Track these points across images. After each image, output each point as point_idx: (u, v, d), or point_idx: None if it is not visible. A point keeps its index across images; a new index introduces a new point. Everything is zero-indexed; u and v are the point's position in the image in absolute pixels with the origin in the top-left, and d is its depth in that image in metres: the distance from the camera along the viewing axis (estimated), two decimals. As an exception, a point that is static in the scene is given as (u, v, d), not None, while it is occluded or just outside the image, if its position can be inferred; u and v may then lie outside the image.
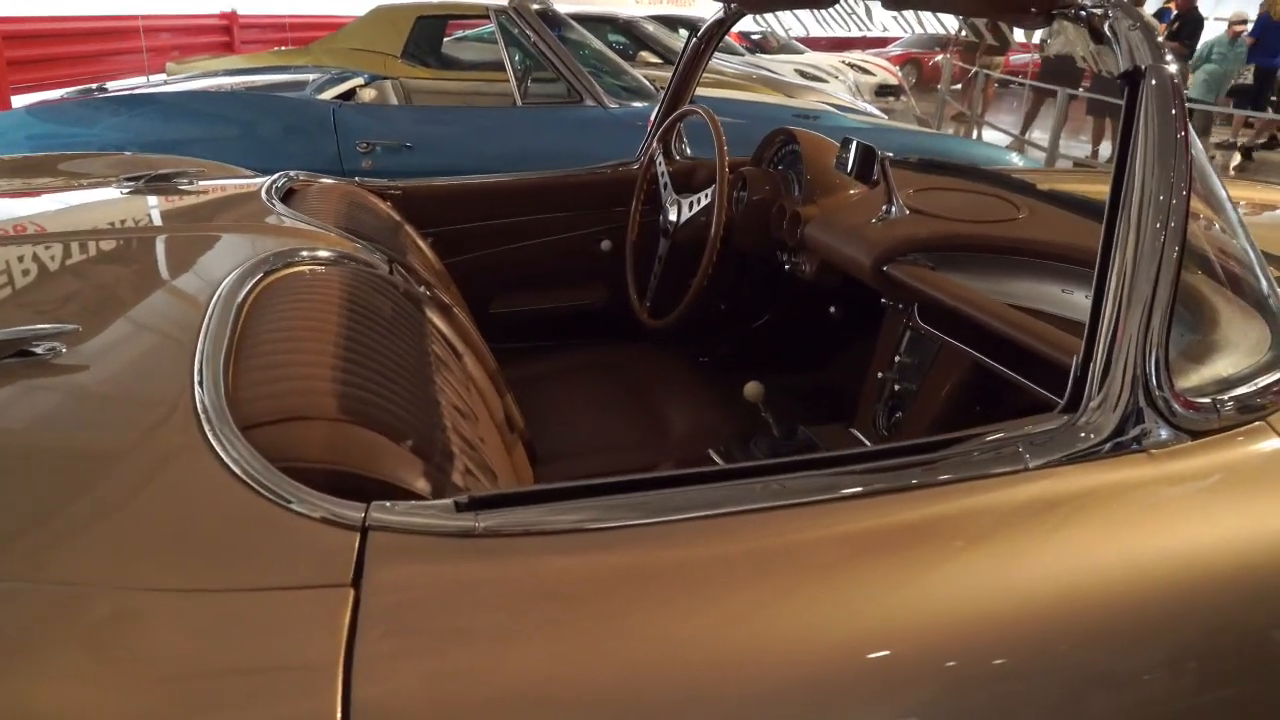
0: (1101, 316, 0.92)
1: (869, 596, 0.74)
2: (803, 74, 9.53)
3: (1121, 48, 0.97)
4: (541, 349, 2.16)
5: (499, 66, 3.84)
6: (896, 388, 1.70)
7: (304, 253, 1.17)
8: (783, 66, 9.55)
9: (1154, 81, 0.94)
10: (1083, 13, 1.04)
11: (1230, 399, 0.96)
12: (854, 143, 1.75)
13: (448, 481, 0.87)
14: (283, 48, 6.30)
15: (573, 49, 3.87)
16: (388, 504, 0.74)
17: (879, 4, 1.41)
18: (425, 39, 4.84)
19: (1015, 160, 3.86)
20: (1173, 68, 0.96)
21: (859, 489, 0.83)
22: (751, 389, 1.74)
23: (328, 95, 3.65)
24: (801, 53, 11.55)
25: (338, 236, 1.36)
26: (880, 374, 1.73)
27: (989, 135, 9.99)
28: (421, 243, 1.84)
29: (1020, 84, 9.72)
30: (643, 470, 1.68)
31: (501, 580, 0.71)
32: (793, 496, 0.81)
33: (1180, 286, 0.93)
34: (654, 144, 2.16)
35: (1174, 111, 0.93)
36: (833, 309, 2.06)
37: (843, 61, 11.10)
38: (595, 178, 2.26)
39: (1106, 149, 8.38)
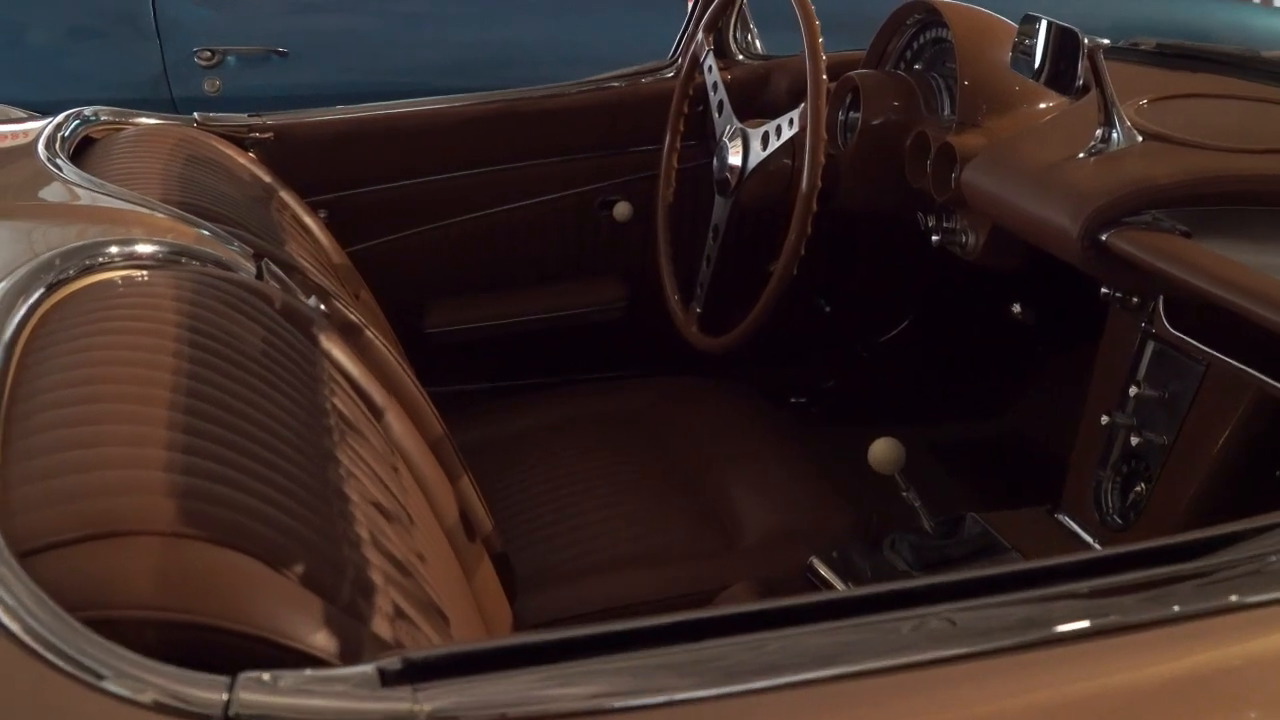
0: None
1: None
2: None
3: None
4: (517, 391, 2.20)
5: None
6: (1135, 441, 1.71)
7: (112, 249, 1.20)
8: None
9: None
10: None
11: None
12: (1041, 23, 1.77)
13: (364, 633, 0.89)
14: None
15: None
16: (265, 676, 0.76)
17: None
18: None
19: None
20: None
21: (1081, 624, 0.83)
22: (882, 451, 1.76)
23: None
24: None
25: (167, 217, 1.39)
26: (1106, 418, 1.74)
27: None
28: (309, 219, 1.88)
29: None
30: (698, 601, 1.70)
31: None
32: (964, 643, 0.81)
33: None
34: (698, 34, 2.20)
35: None
36: (1017, 308, 2.09)
37: None
38: (601, 97, 2.30)
39: None
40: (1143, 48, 2.08)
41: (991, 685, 0.80)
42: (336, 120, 2.18)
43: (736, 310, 2.02)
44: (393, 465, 1.24)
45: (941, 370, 2.38)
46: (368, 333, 1.46)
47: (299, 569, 0.89)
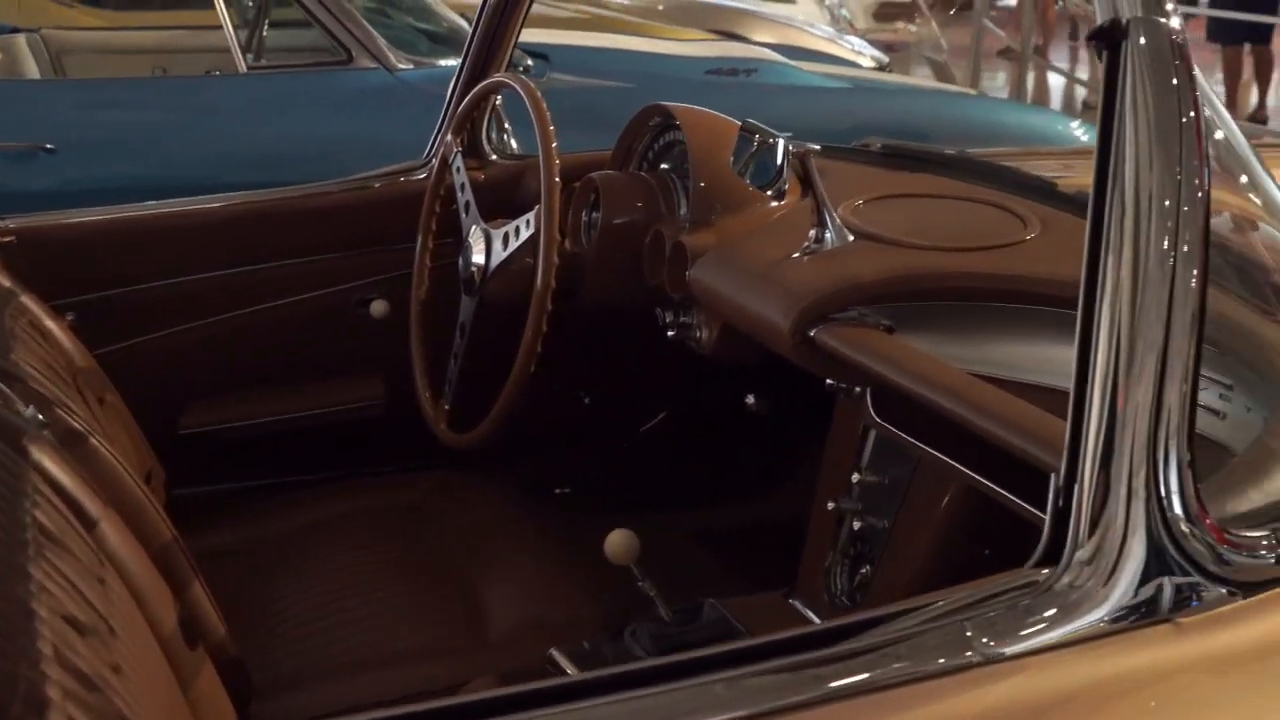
0: (1087, 406, 1.01)
1: None
2: (755, -11, 9.92)
3: None
4: (278, 490, 2.19)
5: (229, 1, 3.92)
6: (858, 525, 1.78)
7: None
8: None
9: (1142, 41, 1.05)
10: None
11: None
12: (753, 131, 1.86)
13: None
14: None
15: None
16: None
17: None
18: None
19: (1080, 135, 4.08)
20: (1174, 21, 1.08)
21: (748, 710, 0.89)
22: (616, 543, 1.79)
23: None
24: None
25: None
26: (832, 504, 1.81)
27: (1053, 83, 10.49)
28: (52, 322, 1.85)
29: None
30: (437, 698, 1.70)
31: None
32: None
33: (1219, 343, 1.03)
34: (448, 137, 2.25)
35: (1175, 82, 1.05)
36: (750, 400, 2.15)
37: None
38: (360, 197, 2.33)
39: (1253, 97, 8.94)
40: (873, 148, 2.19)
41: None
42: (86, 221, 2.16)
43: (486, 406, 2.05)
44: (99, 577, 1.23)
45: (696, 460, 2.43)
46: (92, 440, 1.45)
47: None
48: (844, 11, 10.39)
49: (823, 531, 1.84)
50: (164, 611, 1.35)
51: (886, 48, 8.37)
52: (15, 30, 4.34)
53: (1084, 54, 12.57)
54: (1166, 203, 1.02)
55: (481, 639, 1.80)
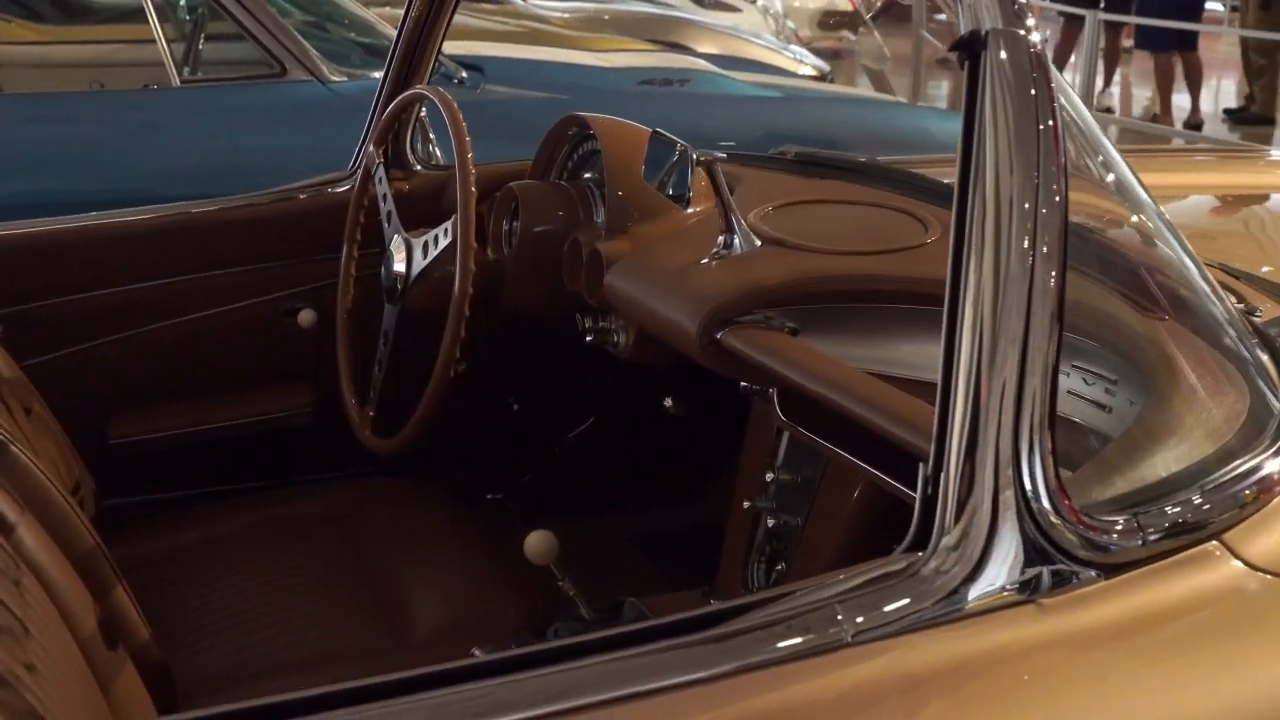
0: (952, 400, 1.06)
1: None
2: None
3: (963, 2, 1.14)
4: (202, 499, 2.21)
5: (162, 14, 3.94)
6: (772, 524, 1.83)
7: None
8: (668, -13, 10.01)
9: (1003, 53, 1.11)
10: None
11: (1163, 512, 1.12)
12: (659, 139, 1.91)
13: None
14: None
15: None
16: None
17: None
18: (26, -33, 4.90)
19: None
20: (1034, 35, 1.13)
21: (593, 698, 0.93)
22: (537, 545, 1.82)
23: None
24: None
25: None
26: (748, 502, 1.86)
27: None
28: None
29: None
30: None
31: None
32: (474, 713, 0.91)
33: (1105, 340, 1.08)
34: (370, 148, 2.29)
35: (1034, 92, 1.10)
36: (668, 403, 2.20)
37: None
38: (285, 208, 2.36)
39: (1186, 101, 9.10)
40: (787, 156, 2.25)
41: None
42: (13, 234, 2.17)
43: (410, 413, 2.08)
44: (15, 579, 1.26)
45: (623, 463, 2.47)
46: (12, 449, 1.47)
47: None
48: (789, 21, 10.47)
49: (740, 530, 1.89)
50: (84, 614, 1.38)
51: (832, 55, 8.47)
52: (-55, 45, 4.35)
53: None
54: (1026, 205, 1.08)
55: (405, 640, 1.83)
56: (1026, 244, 1.07)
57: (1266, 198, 2.74)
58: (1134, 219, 1.39)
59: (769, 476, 1.83)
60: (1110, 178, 1.37)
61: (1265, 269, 1.94)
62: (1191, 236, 2.33)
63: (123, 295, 2.24)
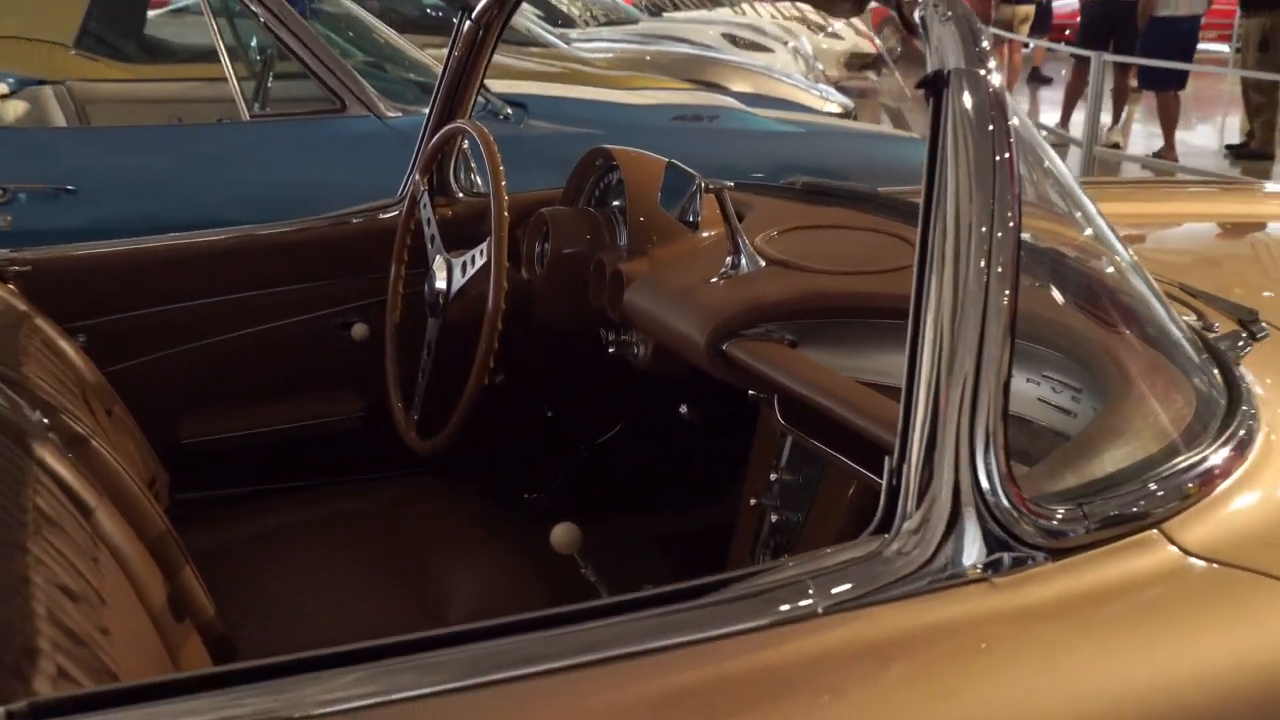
0: (915, 401, 1.12)
1: None
2: (735, 40, 10.09)
3: (930, 42, 1.20)
4: (262, 495, 2.27)
5: (235, 56, 4.03)
6: (775, 519, 1.88)
7: None
8: (706, 29, 10.11)
9: (964, 91, 1.17)
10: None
11: (1108, 502, 1.17)
12: (673, 169, 1.97)
13: (21, 689, 0.99)
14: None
15: (330, 28, 4.09)
16: None
17: None
18: (114, 16, 5.00)
19: None
20: (994, 77, 1.19)
21: (585, 657, 1.00)
22: (562, 535, 1.88)
23: (-65, 116, 3.77)
24: (736, 6, 12.18)
25: None
26: (754, 501, 1.91)
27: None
28: (64, 343, 1.95)
29: (1051, 49, 10.46)
30: None
31: None
32: (492, 668, 0.98)
33: (1072, 353, 1.13)
34: (416, 177, 2.36)
35: (992, 128, 1.16)
36: (684, 409, 2.25)
37: (798, 20, 11.77)
38: (341, 231, 2.42)
39: (1196, 138, 9.09)
40: (795, 186, 2.30)
41: (507, 703, 0.97)
42: (96, 253, 2.24)
43: (449, 416, 2.14)
44: (93, 556, 1.32)
45: (648, 466, 2.52)
46: (93, 443, 1.54)
47: None
48: (818, 63, 10.54)
49: (747, 526, 1.93)
50: (154, 590, 1.44)
51: (858, 94, 8.51)
52: (42, 83, 4.46)
53: (1044, 93, 12.76)
54: (983, 229, 1.13)
55: (440, 620, 1.87)
56: (983, 264, 1.12)
57: (1263, 225, 2.76)
58: (1095, 245, 1.44)
59: (773, 477, 1.87)
60: (1075, 211, 1.42)
61: (1266, 294, 1.97)
62: (1196, 261, 2.39)
63: (194, 309, 2.30)
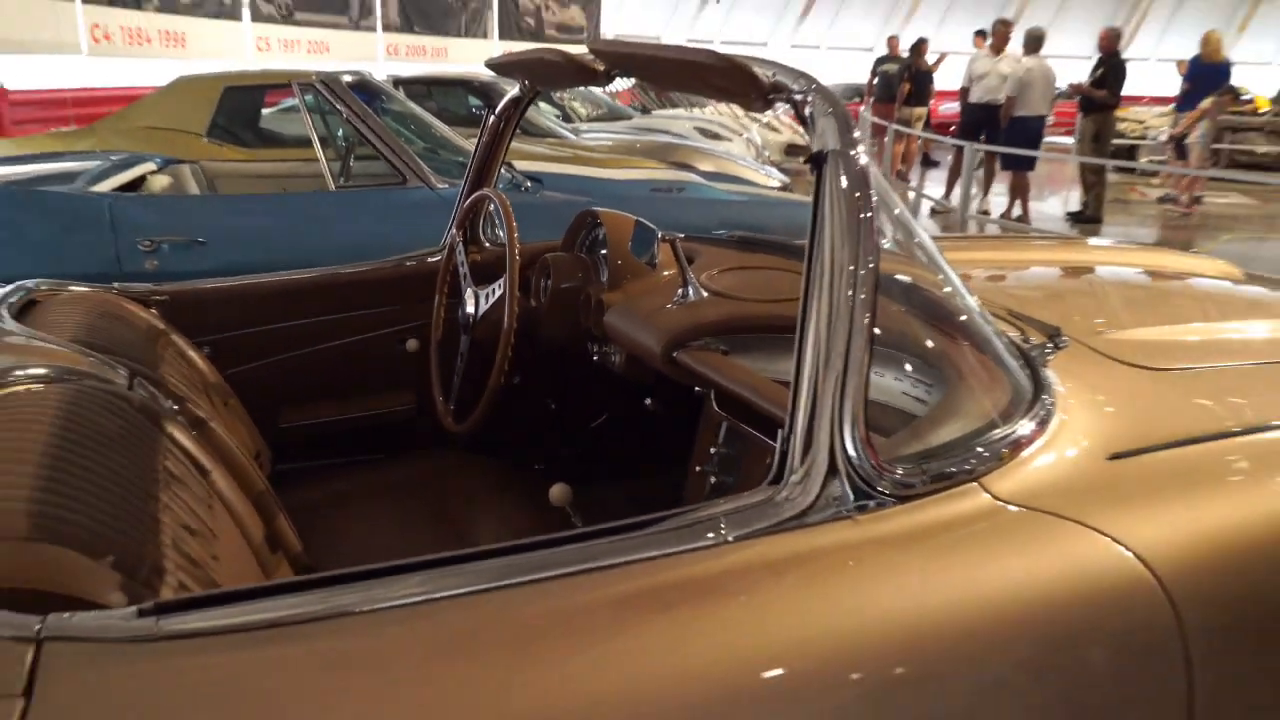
0: (800, 389, 1.16)
1: (583, 670, 0.94)
2: (704, 131, 10.15)
3: (815, 131, 1.25)
4: (339, 466, 2.30)
5: (325, 142, 4.09)
6: (714, 481, 1.91)
7: (18, 371, 1.31)
8: (682, 123, 10.17)
9: (840, 166, 1.21)
10: (795, 97, 1.32)
11: (942, 461, 1.21)
12: (638, 225, 2.02)
13: (154, 596, 1.03)
14: (64, 129, 6.44)
15: (397, 122, 4.14)
16: (66, 615, 0.90)
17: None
18: (236, 113, 5.07)
19: None
20: (862, 157, 1.23)
21: (569, 569, 1.04)
22: (557, 493, 1.93)
23: (106, 186, 3.81)
24: (705, 107, 12.25)
25: (70, 351, 1.49)
26: (699, 468, 1.94)
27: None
28: (193, 352, 1.98)
29: (938, 140, 10.52)
30: None
31: (178, 682, 0.88)
32: (502, 576, 1.01)
33: (927, 358, 1.16)
34: (453, 230, 2.40)
35: (859, 194, 1.20)
36: (648, 401, 2.29)
37: (750, 117, 11.81)
38: (399, 271, 2.46)
39: (1046, 206, 9.18)
40: (733, 237, 2.35)
41: (514, 601, 1.02)
42: (219, 287, 2.27)
43: (475, 406, 2.18)
44: (209, 504, 1.35)
45: (622, 445, 2.55)
46: (211, 424, 1.57)
47: (109, 559, 1.03)
48: (765, 149, 10.61)
49: (696, 487, 1.96)
50: (255, 531, 1.46)
51: (794, 173, 8.56)
52: (182, 162, 4.51)
53: (933, 173, 12.83)
54: (850, 268, 1.17)
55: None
56: (849, 293, 1.16)
57: (1092, 269, 2.80)
58: (938, 279, 1.48)
59: (713, 450, 1.90)
60: (923, 255, 1.46)
61: (1099, 320, 1.96)
62: (1044, 295, 2.41)
63: (291, 328, 2.34)
